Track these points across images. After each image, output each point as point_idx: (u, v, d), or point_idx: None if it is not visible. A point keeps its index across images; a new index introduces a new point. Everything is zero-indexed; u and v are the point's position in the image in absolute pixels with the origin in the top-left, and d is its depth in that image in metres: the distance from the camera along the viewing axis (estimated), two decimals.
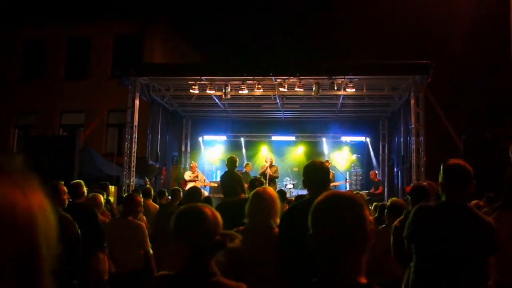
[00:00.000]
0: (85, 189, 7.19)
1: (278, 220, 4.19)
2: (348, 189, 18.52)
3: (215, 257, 2.50)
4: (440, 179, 3.92)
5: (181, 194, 10.20)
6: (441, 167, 3.93)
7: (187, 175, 17.46)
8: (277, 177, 17.18)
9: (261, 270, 3.89)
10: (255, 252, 3.90)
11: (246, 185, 9.94)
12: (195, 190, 6.45)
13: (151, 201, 10.16)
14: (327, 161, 17.95)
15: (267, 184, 15.37)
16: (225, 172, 10.52)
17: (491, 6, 16.73)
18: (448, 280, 3.64)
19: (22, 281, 0.93)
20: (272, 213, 4.17)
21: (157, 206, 9.92)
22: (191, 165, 18.29)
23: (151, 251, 6.32)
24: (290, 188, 18.40)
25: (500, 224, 4.51)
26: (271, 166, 16.87)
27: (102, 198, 7.91)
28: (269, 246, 3.99)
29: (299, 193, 17.54)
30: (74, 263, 5.78)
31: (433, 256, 3.71)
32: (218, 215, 2.60)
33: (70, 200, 6.83)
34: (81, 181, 7.32)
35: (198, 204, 2.71)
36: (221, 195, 11.14)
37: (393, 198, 7.59)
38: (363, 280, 1.83)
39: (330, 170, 14.99)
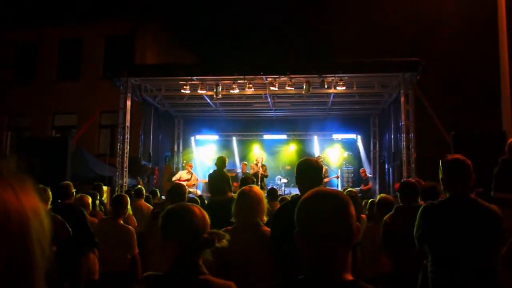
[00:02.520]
0: (73, 190, 7.23)
1: (265, 218, 4.22)
2: (339, 185, 18.64)
3: (204, 256, 2.52)
4: (440, 175, 3.96)
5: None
6: (440, 164, 3.97)
7: (181, 175, 17.49)
8: (267, 176, 17.30)
9: (250, 268, 3.90)
10: (243, 250, 3.90)
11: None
12: (178, 186, 6.46)
13: (143, 201, 10.18)
14: (319, 156, 18.09)
15: (259, 183, 15.52)
16: (214, 171, 10.59)
17: (480, 5, 16.82)
18: (465, 273, 3.68)
19: (15, 285, 0.92)
20: (258, 211, 4.18)
21: (150, 206, 9.91)
22: (187, 165, 18.30)
23: (138, 256, 6.31)
24: (282, 185, 18.46)
25: None
26: (262, 165, 16.99)
27: (89, 199, 7.92)
28: (257, 244, 4.01)
29: (292, 191, 17.66)
30: (66, 264, 5.83)
31: (448, 253, 3.75)
32: (206, 214, 2.63)
33: (59, 201, 6.87)
34: (69, 182, 7.36)
35: (186, 203, 2.76)
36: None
37: (382, 195, 7.66)
38: (349, 277, 1.83)
39: (323, 166, 15.18)
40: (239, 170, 18.96)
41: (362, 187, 18.05)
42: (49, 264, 0.99)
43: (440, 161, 4.02)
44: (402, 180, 10.92)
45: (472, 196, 3.91)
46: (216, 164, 10.68)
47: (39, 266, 0.96)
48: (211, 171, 11.12)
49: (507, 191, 5.94)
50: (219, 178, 10.30)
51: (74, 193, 7.32)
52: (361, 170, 18.97)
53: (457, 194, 3.85)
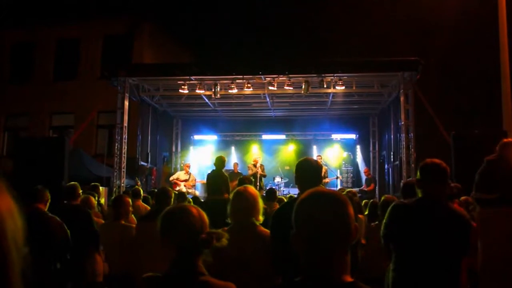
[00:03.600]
0: (80, 191, 7.20)
1: (261, 218, 4.20)
2: (339, 186, 18.58)
3: (203, 257, 2.50)
4: (417, 176, 4.01)
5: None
6: (419, 167, 4.02)
7: (178, 176, 17.43)
8: (265, 176, 17.24)
9: (247, 269, 3.88)
10: (239, 251, 3.89)
11: (235, 183, 9.94)
12: (164, 191, 6.41)
13: (141, 201, 10.09)
14: (319, 156, 18.03)
15: (258, 183, 15.45)
16: (212, 171, 10.53)
17: (480, 5, 16.80)
18: (425, 276, 3.64)
19: None
20: (254, 211, 4.16)
21: (148, 207, 9.85)
22: (184, 165, 18.24)
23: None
24: (281, 185, 18.39)
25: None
26: (260, 165, 16.93)
27: (95, 200, 7.89)
28: (253, 245, 4.00)
29: (291, 191, 17.59)
30: (66, 265, 5.76)
31: (411, 253, 3.72)
32: (204, 214, 2.61)
33: (66, 202, 6.83)
34: (76, 183, 7.30)
35: (184, 203, 2.72)
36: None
37: (386, 195, 7.62)
38: (348, 278, 1.80)
39: (323, 166, 15.08)
40: (232, 170, 18.90)
41: (364, 187, 17.94)
42: (24, 262, 1.00)
43: (419, 164, 4.09)
44: (404, 180, 10.91)
45: (445, 201, 3.92)
46: (215, 164, 10.61)
47: (15, 264, 0.97)
48: (209, 171, 11.05)
49: (488, 192, 5.95)
50: (217, 178, 10.24)
51: (81, 194, 7.28)
52: (364, 170, 18.92)
53: (428, 194, 3.86)
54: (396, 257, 3.81)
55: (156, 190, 13.18)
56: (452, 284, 3.68)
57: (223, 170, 10.65)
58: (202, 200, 11.04)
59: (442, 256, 3.65)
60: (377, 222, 6.61)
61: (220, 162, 10.55)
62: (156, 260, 2.59)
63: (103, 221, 7.54)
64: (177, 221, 2.56)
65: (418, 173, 3.98)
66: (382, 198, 7.11)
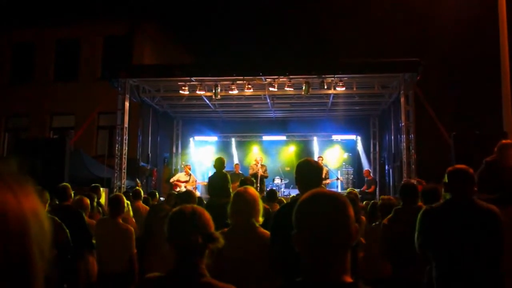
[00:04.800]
0: (71, 192, 7.16)
1: (260, 219, 4.20)
2: (339, 187, 18.54)
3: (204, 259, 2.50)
4: (444, 180, 4.07)
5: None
6: (447, 172, 4.08)
7: (179, 177, 17.40)
8: (267, 177, 17.18)
9: (247, 270, 3.87)
10: (239, 252, 3.89)
11: (237, 184, 9.90)
12: (187, 194, 6.41)
13: (141, 202, 10.08)
14: (320, 157, 17.99)
15: (258, 184, 15.40)
16: (214, 173, 10.45)
17: (480, 5, 16.76)
18: (470, 276, 3.68)
19: (13, 286, 0.91)
20: (253, 213, 4.15)
21: (148, 208, 9.83)
22: (185, 166, 18.21)
23: (135, 256, 6.24)
24: (282, 186, 18.36)
25: None
26: (261, 165, 16.89)
27: (88, 201, 7.82)
28: (253, 246, 4.00)
29: (291, 192, 17.56)
30: (64, 267, 5.76)
31: (451, 257, 3.76)
32: (201, 216, 2.59)
33: (57, 202, 6.81)
34: (67, 184, 7.28)
35: (185, 205, 2.71)
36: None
37: (383, 196, 7.61)
38: (348, 279, 1.81)
39: (324, 167, 15.05)
40: (233, 171, 18.88)
41: (364, 188, 17.87)
42: (48, 267, 0.98)
43: (447, 169, 4.13)
44: (403, 181, 10.92)
45: (472, 198, 3.97)
46: (214, 166, 10.53)
47: (37, 269, 0.95)
48: (210, 173, 10.99)
49: (488, 192, 5.98)
50: (220, 180, 10.16)
51: (73, 194, 7.25)
52: (365, 171, 18.85)
53: (456, 196, 3.92)
54: (436, 263, 3.85)
55: (155, 190, 13.23)
56: (496, 277, 3.73)
57: (225, 171, 10.59)
58: (205, 202, 10.97)
59: (480, 253, 3.70)
60: (377, 223, 6.61)
61: (219, 163, 10.48)
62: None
63: None
64: (171, 223, 2.56)
65: (446, 178, 4.04)
66: (380, 199, 7.11)
